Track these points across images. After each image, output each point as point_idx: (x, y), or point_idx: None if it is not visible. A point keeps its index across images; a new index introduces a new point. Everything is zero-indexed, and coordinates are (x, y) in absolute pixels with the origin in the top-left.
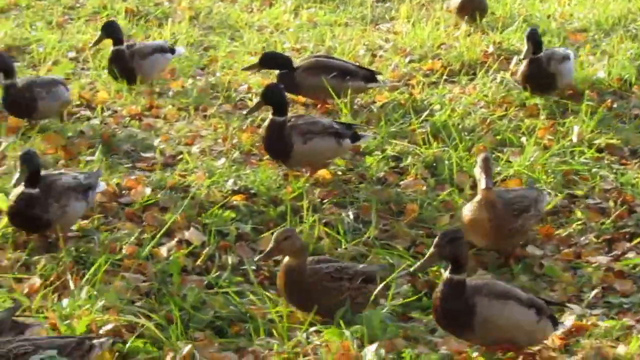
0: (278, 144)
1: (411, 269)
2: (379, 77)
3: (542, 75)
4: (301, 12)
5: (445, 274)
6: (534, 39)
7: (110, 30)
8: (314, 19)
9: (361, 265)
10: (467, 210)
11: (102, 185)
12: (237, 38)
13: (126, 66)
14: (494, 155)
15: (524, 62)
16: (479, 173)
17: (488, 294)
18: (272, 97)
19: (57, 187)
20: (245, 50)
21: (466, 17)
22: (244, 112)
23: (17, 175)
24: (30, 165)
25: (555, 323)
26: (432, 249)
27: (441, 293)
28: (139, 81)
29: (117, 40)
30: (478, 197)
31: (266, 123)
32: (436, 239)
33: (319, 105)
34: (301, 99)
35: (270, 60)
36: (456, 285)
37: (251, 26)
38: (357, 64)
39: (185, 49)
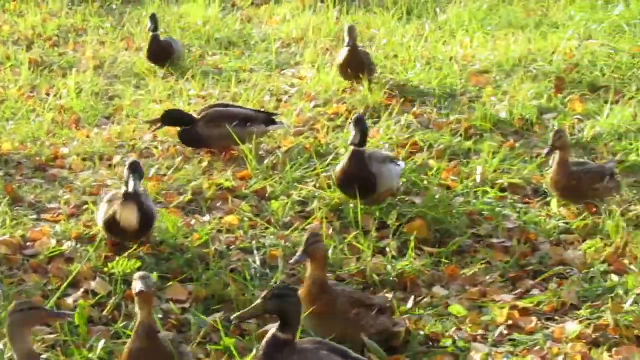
0: None
1: (231, 317)
2: (277, 119)
3: (362, 173)
4: (207, 58)
5: (272, 331)
6: (362, 127)
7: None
8: (219, 66)
9: None
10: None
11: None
12: (142, 86)
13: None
14: (399, 198)
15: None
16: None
17: None
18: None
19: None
20: (151, 98)
21: (351, 75)
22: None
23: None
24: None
25: None
26: (258, 300)
27: (263, 352)
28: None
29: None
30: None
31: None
32: (265, 292)
33: (223, 154)
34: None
35: (171, 118)
36: (281, 345)
37: (156, 74)
38: (254, 108)
39: None
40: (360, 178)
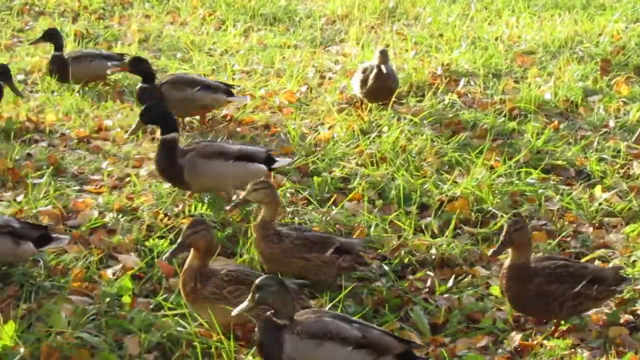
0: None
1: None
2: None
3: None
4: (251, 34)
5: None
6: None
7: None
8: (264, 42)
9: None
10: None
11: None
12: (187, 60)
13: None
14: (442, 177)
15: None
16: None
17: (302, 332)
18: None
19: None
20: (195, 72)
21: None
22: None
23: None
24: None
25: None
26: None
27: (259, 333)
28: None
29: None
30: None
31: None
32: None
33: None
34: None
35: (137, 64)
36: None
37: (201, 49)
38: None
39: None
40: (166, 169)
